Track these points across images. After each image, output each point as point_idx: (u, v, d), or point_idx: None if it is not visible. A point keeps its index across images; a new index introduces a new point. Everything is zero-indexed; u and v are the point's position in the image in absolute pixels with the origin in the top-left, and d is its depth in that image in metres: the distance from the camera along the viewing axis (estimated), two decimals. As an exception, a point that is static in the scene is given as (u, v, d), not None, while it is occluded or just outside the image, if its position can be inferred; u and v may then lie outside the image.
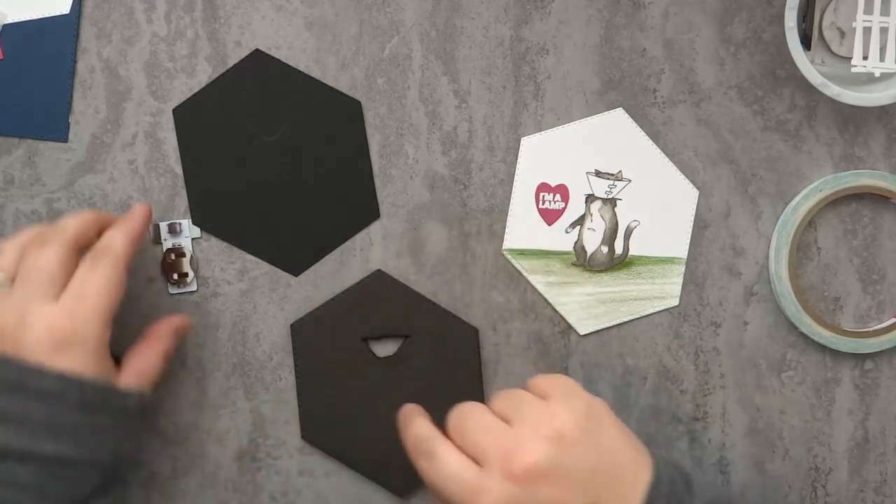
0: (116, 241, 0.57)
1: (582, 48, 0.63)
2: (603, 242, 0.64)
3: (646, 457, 0.53)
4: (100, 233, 0.58)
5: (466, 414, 0.54)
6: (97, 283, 0.55)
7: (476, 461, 0.51)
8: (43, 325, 0.53)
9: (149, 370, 0.58)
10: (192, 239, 0.63)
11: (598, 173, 0.64)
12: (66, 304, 0.54)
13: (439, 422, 0.64)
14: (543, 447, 0.50)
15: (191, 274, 0.63)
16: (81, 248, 0.57)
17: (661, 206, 0.64)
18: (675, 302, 0.64)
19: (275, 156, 0.63)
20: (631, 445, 0.53)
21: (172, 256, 0.63)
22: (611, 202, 0.64)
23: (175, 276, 0.63)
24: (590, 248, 0.64)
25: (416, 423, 0.55)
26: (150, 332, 0.60)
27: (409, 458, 0.55)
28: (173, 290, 0.63)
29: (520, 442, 0.51)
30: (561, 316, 0.64)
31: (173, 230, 0.63)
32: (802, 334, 0.64)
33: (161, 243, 0.63)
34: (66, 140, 0.63)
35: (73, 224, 0.57)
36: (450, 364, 0.63)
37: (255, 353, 0.64)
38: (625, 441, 0.52)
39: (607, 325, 0.64)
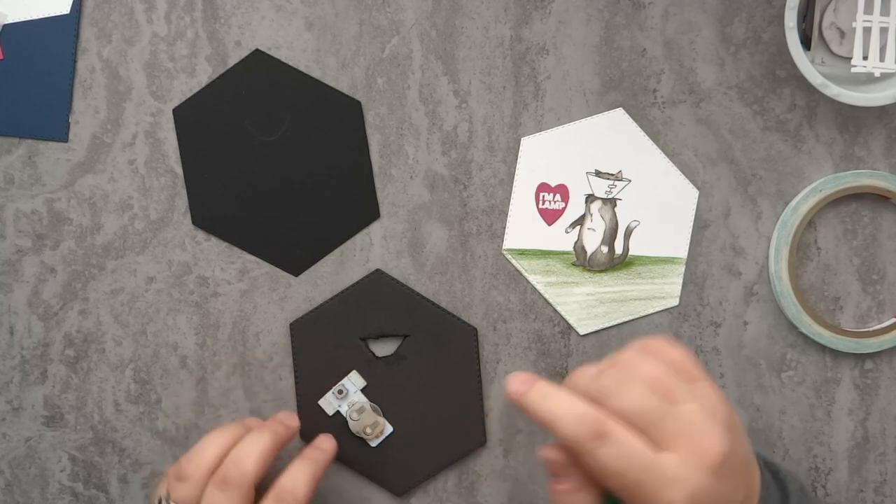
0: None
1: (582, 48, 0.63)
2: (603, 242, 0.64)
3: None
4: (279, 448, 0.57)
5: (619, 376, 0.47)
6: None
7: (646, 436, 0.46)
8: None
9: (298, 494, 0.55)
10: (361, 390, 0.63)
11: (598, 173, 0.64)
12: None
13: (438, 422, 0.64)
14: (723, 435, 0.45)
15: (380, 420, 0.63)
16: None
17: (660, 206, 0.64)
18: (675, 302, 0.64)
19: (275, 156, 0.63)
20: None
21: (356, 416, 0.62)
22: (611, 202, 0.64)
23: (368, 431, 0.62)
24: (590, 248, 0.64)
25: (564, 397, 0.47)
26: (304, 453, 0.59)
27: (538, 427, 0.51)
28: (374, 443, 0.63)
29: (705, 429, 0.45)
30: (561, 316, 0.64)
31: (341, 393, 0.63)
32: (802, 334, 0.64)
33: (339, 411, 0.63)
34: (66, 140, 0.63)
35: (258, 465, 0.55)
36: (449, 364, 0.63)
37: (255, 353, 0.64)
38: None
39: (607, 325, 0.64)
